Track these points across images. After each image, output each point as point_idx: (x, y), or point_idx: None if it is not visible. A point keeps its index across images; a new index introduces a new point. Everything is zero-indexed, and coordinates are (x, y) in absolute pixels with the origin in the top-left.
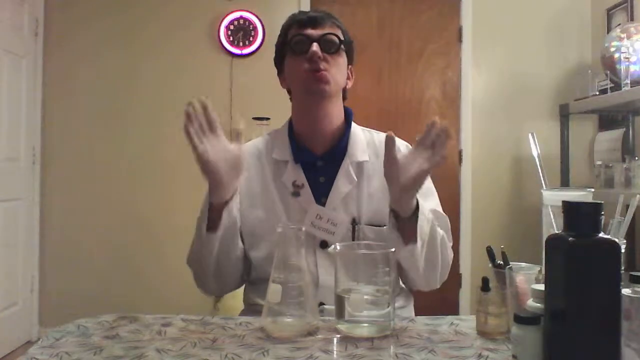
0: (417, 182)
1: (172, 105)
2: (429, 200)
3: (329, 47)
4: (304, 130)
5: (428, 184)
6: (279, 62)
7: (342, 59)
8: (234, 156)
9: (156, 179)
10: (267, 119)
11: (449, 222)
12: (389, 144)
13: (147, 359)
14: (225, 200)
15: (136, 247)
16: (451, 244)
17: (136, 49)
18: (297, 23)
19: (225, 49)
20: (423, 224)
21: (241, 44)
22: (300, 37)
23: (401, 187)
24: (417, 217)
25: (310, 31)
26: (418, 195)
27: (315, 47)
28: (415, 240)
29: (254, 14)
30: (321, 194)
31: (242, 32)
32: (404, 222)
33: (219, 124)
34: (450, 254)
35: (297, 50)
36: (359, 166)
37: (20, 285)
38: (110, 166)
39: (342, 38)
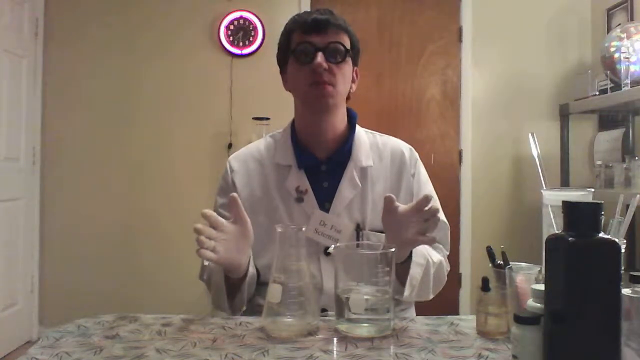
0: (410, 246)
1: (171, 105)
2: None
3: (334, 57)
4: (307, 134)
5: (430, 191)
6: (281, 62)
7: (348, 66)
8: (242, 232)
9: (156, 179)
10: (267, 119)
11: (449, 231)
12: (389, 203)
13: (147, 359)
14: (244, 273)
15: (136, 247)
16: (448, 253)
17: (136, 48)
18: (301, 27)
19: (225, 49)
20: (414, 272)
21: (241, 44)
22: (304, 45)
23: (396, 243)
24: (409, 264)
25: (314, 38)
26: None
27: (319, 57)
28: (404, 285)
29: (254, 14)
30: (324, 200)
31: (242, 32)
32: (397, 266)
33: (221, 221)
34: (447, 269)
35: (300, 60)
36: (363, 171)
37: (20, 285)
38: (110, 166)
39: (347, 46)
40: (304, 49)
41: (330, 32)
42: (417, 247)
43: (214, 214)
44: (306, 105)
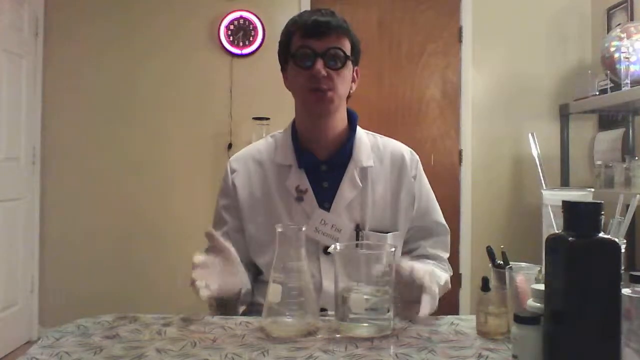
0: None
1: (171, 105)
2: (430, 214)
3: (334, 63)
4: (307, 134)
5: (430, 195)
6: (282, 61)
7: (347, 70)
8: (226, 258)
9: (156, 178)
10: (267, 119)
11: (448, 235)
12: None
13: (147, 359)
14: (237, 291)
15: (136, 247)
16: (448, 255)
17: (136, 48)
18: (301, 30)
19: (225, 49)
20: (426, 311)
21: (241, 44)
22: (304, 49)
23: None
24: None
25: (314, 43)
26: (421, 210)
27: (319, 64)
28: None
29: (254, 14)
30: (324, 200)
31: (242, 32)
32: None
33: (202, 259)
34: (449, 274)
35: (300, 64)
36: (364, 171)
37: (20, 285)
38: (110, 166)
39: (347, 51)
40: (303, 54)
41: (330, 36)
42: (425, 283)
43: (200, 259)
44: (306, 108)
